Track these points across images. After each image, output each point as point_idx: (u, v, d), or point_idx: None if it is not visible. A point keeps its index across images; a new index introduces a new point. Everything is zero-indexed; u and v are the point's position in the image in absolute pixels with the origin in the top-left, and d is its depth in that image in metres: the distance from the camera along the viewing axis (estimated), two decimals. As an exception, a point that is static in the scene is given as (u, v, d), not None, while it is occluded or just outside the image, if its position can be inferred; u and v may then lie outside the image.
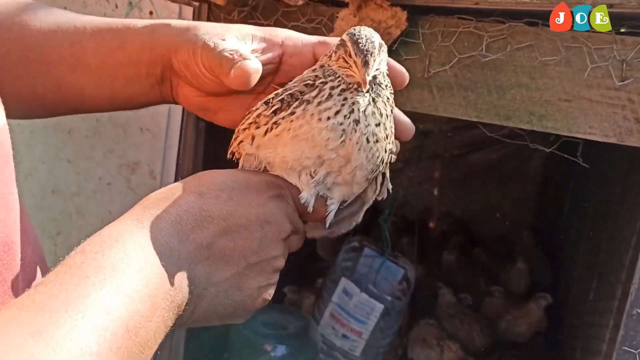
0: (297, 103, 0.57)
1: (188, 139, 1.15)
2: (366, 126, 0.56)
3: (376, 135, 0.56)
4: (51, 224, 1.25)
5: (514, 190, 3.01)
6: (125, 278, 0.45)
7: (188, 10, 1.08)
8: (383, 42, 0.57)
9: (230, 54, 0.59)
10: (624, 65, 0.91)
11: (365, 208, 0.65)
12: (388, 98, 0.58)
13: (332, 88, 0.56)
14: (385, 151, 0.58)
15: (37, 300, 0.41)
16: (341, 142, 0.56)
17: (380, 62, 0.57)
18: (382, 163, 0.59)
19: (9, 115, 0.66)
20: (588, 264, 1.77)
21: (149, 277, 0.47)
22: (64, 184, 1.24)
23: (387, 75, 0.59)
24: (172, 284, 0.49)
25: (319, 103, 0.56)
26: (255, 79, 0.59)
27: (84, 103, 0.73)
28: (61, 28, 0.69)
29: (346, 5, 0.98)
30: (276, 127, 0.58)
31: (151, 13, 1.11)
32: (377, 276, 1.73)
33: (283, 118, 0.57)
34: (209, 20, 1.10)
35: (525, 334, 2.04)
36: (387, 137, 0.58)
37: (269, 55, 0.63)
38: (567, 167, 2.24)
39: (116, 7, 1.12)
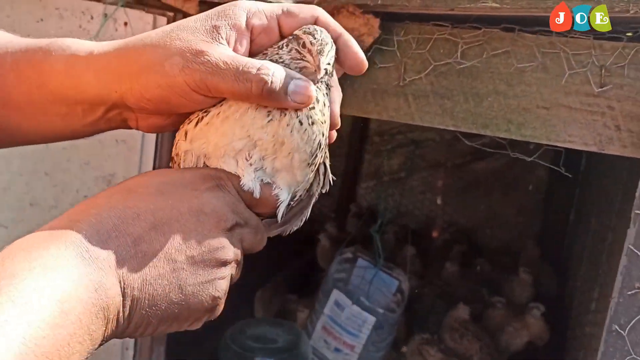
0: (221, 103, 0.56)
1: (164, 150, 1.13)
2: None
3: (311, 117, 0.56)
4: (30, 237, 1.24)
5: (519, 199, 2.97)
6: (26, 284, 0.42)
7: (162, 20, 1.07)
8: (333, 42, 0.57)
9: (265, 75, 0.54)
10: (603, 71, 0.88)
11: (312, 202, 0.63)
12: (327, 92, 0.58)
13: None
14: (323, 135, 0.57)
15: None
16: (268, 120, 0.55)
17: (331, 58, 0.57)
18: (320, 148, 0.58)
19: None
20: (590, 274, 1.73)
21: (57, 280, 0.44)
22: (41, 197, 1.23)
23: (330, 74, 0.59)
24: (88, 284, 0.45)
25: None
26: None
27: (25, 138, 0.69)
28: None
29: (318, 13, 0.96)
30: (206, 115, 0.57)
31: (125, 24, 1.10)
32: (371, 287, 1.70)
33: (213, 106, 0.56)
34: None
35: (526, 346, 2.00)
36: (323, 122, 0.57)
37: (245, 46, 0.58)
38: (572, 176, 2.20)
39: (92, 18, 1.11)
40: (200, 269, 0.53)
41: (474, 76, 0.95)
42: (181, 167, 0.59)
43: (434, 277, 2.47)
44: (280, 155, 0.57)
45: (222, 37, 0.55)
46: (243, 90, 0.54)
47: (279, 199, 0.58)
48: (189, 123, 0.59)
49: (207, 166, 0.58)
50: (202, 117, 0.57)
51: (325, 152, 0.61)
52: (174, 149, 0.61)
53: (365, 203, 3.08)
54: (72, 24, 1.12)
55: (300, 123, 0.55)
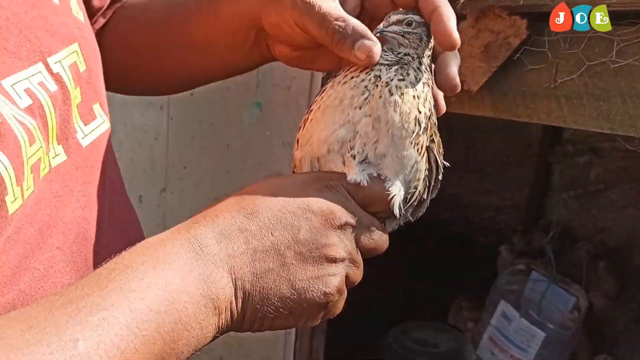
0: (328, 83, 0.61)
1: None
2: (387, 77, 0.58)
3: (401, 88, 0.58)
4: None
5: None
6: (134, 275, 0.48)
7: None
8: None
9: (340, 26, 0.60)
10: None
11: (431, 192, 0.64)
12: (421, 68, 0.61)
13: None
14: (419, 111, 0.58)
15: (50, 298, 0.46)
16: (364, 98, 0.58)
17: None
18: (420, 125, 0.59)
19: (141, 93, 0.77)
20: None
21: (165, 272, 0.49)
22: (223, 192, 1.40)
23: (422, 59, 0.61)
24: (198, 276, 0.50)
25: (345, 75, 0.60)
26: (378, 58, 0.60)
27: (203, 74, 0.83)
28: (174, 11, 0.80)
29: (464, 17, 0.98)
30: (310, 114, 0.61)
31: None
32: (543, 302, 1.62)
33: (315, 102, 0.61)
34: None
35: None
36: (417, 97, 0.58)
37: (352, 5, 0.65)
38: None
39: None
40: (309, 265, 0.55)
41: (632, 76, 0.88)
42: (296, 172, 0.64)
43: (630, 300, 2.25)
44: (380, 136, 0.58)
45: None
46: (321, 34, 0.61)
47: (390, 192, 0.59)
48: (299, 131, 0.63)
49: (320, 170, 0.61)
50: (308, 117, 0.62)
51: (433, 137, 0.62)
52: (292, 161, 0.65)
53: (555, 217, 2.90)
54: None
55: (390, 93, 0.57)
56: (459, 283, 2.34)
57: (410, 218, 0.65)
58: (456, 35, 0.61)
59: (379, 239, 0.61)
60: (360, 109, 0.58)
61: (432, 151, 0.62)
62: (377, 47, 0.59)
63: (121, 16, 0.86)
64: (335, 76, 0.63)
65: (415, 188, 0.62)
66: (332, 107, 0.59)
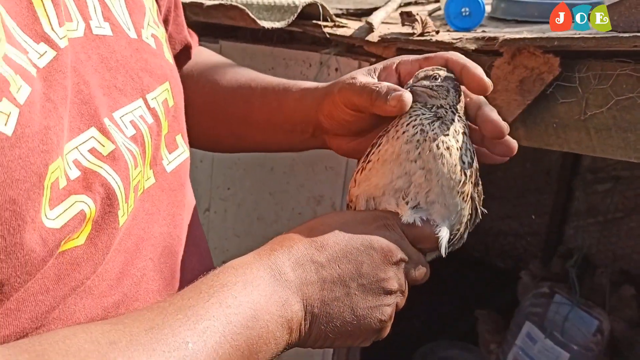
0: (383, 138, 0.70)
1: (363, 177, 1.31)
2: (433, 132, 0.67)
3: (445, 142, 0.66)
4: (255, 246, 1.50)
5: None
6: (229, 292, 0.56)
7: (365, 65, 1.26)
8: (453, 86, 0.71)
9: (376, 87, 0.71)
10: None
11: (467, 232, 0.73)
12: (457, 120, 0.70)
13: (406, 119, 0.70)
14: (463, 162, 0.67)
15: (161, 305, 0.55)
16: (418, 152, 0.67)
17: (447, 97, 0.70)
18: (465, 175, 0.67)
19: (195, 146, 0.86)
20: None
21: (253, 293, 0.57)
22: (265, 213, 1.48)
23: (456, 110, 0.71)
24: (277, 299, 0.58)
25: (396, 130, 0.69)
26: (409, 104, 0.71)
27: (255, 147, 0.93)
28: (240, 87, 0.90)
29: (501, 54, 1.06)
30: (369, 162, 0.71)
31: (336, 69, 1.30)
32: (566, 324, 1.67)
33: (373, 153, 0.71)
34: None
35: None
36: (459, 149, 0.67)
37: (392, 81, 0.76)
38: None
39: (310, 65, 1.34)
40: (370, 296, 0.64)
41: (658, 110, 0.96)
42: (355, 209, 0.73)
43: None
44: (432, 186, 0.67)
45: (374, 73, 0.75)
46: (362, 99, 0.72)
47: (438, 234, 0.69)
48: (357, 173, 0.73)
49: (376, 208, 0.71)
50: (366, 165, 0.71)
51: (476, 186, 0.71)
52: (348, 196, 0.76)
53: (574, 244, 2.94)
54: (295, 71, 1.36)
55: (437, 147, 0.66)
56: (479, 306, 2.40)
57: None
58: (487, 79, 0.71)
59: (424, 272, 0.70)
60: (415, 162, 0.67)
61: (475, 201, 0.72)
62: (407, 95, 0.69)
63: (188, 72, 0.96)
64: (388, 131, 0.71)
65: (458, 230, 0.72)
66: (390, 161, 0.68)
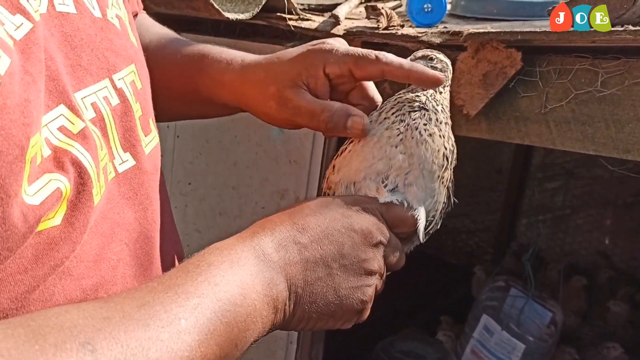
0: None
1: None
2: (414, 121, 0.69)
3: (427, 130, 0.68)
4: (217, 242, 1.48)
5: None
6: (217, 271, 0.56)
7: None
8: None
9: (326, 114, 0.72)
10: None
11: (441, 220, 0.74)
12: (439, 111, 0.71)
13: (390, 109, 0.72)
14: (446, 148, 0.69)
15: (149, 285, 0.54)
16: (400, 138, 0.68)
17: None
18: (448, 161, 0.69)
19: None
20: None
21: (239, 272, 0.57)
22: (228, 208, 1.46)
23: (438, 101, 0.72)
24: (263, 279, 0.59)
25: (379, 114, 0.71)
26: (369, 129, 0.73)
27: (186, 117, 0.98)
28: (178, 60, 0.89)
29: (465, 49, 1.08)
30: (349, 145, 0.72)
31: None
32: (522, 316, 1.72)
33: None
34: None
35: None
36: (442, 137, 0.69)
37: (323, 87, 0.76)
38: None
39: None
40: (351, 276, 0.65)
41: (615, 104, 1.00)
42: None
43: (596, 318, 2.37)
44: (412, 169, 0.68)
45: (303, 84, 0.74)
46: (317, 127, 0.73)
47: (416, 217, 0.70)
48: (335, 158, 0.74)
49: (355, 194, 0.72)
50: (345, 148, 0.73)
51: (451, 176, 0.72)
52: (325, 183, 0.76)
53: (525, 240, 3.03)
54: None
55: (421, 134, 0.68)
56: (436, 301, 2.44)
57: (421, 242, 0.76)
58: (438, 73, 0.73)
59: (401, 257, 0.71)
60: (396, 147, 0.69)
61: (449, 189, 0.73)
62: (365, 120, 0.71)
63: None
64: (370, 115, 0.73)
65: (433, 217, 0.73)
66: (372, 144, 0.70)
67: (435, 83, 0.72)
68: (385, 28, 1.11)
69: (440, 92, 0.74)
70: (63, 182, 0.51)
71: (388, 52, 1.21)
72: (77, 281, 0.55)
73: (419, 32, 1.10)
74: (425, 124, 0.69)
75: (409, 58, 0.75)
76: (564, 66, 1.04)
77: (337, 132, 0.73)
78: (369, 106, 0.77)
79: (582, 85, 1.02)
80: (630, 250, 2.86)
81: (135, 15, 0.92)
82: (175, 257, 0.76)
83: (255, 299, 0.57)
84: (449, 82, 0.76)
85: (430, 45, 1.10)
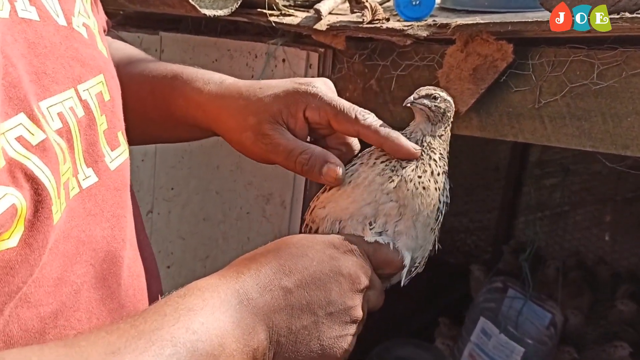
0: (357, 161, 0.71)
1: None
2: (408, 176, 0.66)
3: (422, 183, 0.66)
4: (202, 248, 1.42)
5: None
6: (196, 317, 0.52)
7: (314, 56, 1.20)
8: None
9: (303, 158, 0.70)
10: None
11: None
12: (437, 160, 0.69)
13: (381, 153, 0.70)
14: (440, 201, 0.67)
15: (121, 327, 0.50)
16: (393, 187, 0.66)
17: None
18: (441, 213, 0.67)
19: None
20: None
21: (220, 319, 0.54)
22: (212, 213, 1.41)
23: (435, 149, 0.70)
24: (245, 327, 0.55)
25: (369, 157, 0.70)
26: (344, 179, 0.71)
27: (161, 140, 0.95)
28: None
29: (454, 42, 1.03)
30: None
31: (284, 60, 1.25)
32: (520, 318, 1.67)
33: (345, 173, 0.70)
34: (333, 64, 1.21)
35: None
36: (437, 190, 0.67)
37: (301, 128, 0.74)
38: None
39: (256, 57, 1.28)
40: (336, 324, 0.62)
41: (612, 96, 0.94)
42: (319, 232, 0.71)
43: (599, 316, 2.32)
44: (404, 219, 0.66)
45: (283, 122, 0.72)
46: (289, 167, 0.71)
47: (403, 261, 0.67)
48: (322, 192, 0.72)
49: (340, 232, 0.69)
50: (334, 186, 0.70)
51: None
52: (308, 215, 0.73)
53: (524, 238, 2.98)
54: (240, 62, 1.30)
55: (416, 187, 0.66)
56: (434, 302, 2.38)
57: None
58: (413, 147, 0.70)
59: (380, 298, 0.69)
60: (387, 194, 0.67)
61: (436, 236, 0.72)
62: (340, 170, 0.70)
63: None
64: (362, 155, 0.72)
65: (419, 263, 0.72)
66: (363, 187, 0.68)
67: (407, 157, 0.69)
68: (370, 22, 1.06)
69: (441, 136, 0.71)
70: (19, 199, 0.47)
71: (374, 47, 1.17)
72: (35, 309, 0.51)
73: (405, 26, 1.05)
74: (420, 177, 0.67)
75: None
76: (557, 58, 0.98)
77: (310, 176, 0.71)
78: (346, 152, 0.75)
79: (578, 78, 0.97)
80: (631, 247, 2.81)
81: (103, 31, 0.88)
82: (149, 278, 0.72)
83: (234, 349, 0.54)
84: (451, 120, 0.73)
85: (417, 40, 1.05)
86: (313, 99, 0.72)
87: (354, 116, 0.70)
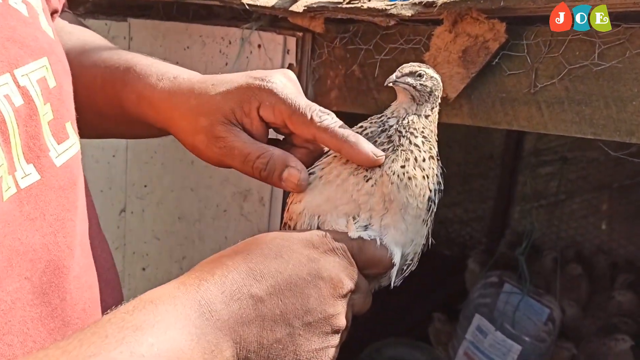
0: (331, 153, 0.62)
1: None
2: (390, 169, 0.59)
3: (407, 173, 0.58)
4: (178, 249, 1.34)
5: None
6: (145, 338, 0.44)
7: (291, 41, 1.12)
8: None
9: (262, 165, 0.62)
10: None
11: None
12: (420, 145, 0.61)
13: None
14: (430, 190, 0.59)
15: (50, 354, 0.43)
16: (371, 185, 0.58)
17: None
18: (433, 202, 0.60)
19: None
20: None
21: (175, 339, 0.46)
22: (188, 211, 1.32)
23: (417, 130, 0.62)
24: (206, 345, 0.47)
25: (344, 161, 0.62)
26: (307, 185, 0.63)
27: (118, 136, 0.85)
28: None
29: (441, 22, 0.94)
30: (311, 175, 0.62)
31: (259, 46, 1.16)
32: (517, 314, 1.59)
33: (316, 166, 0.62)
34: (313, 49, 1.12)
35: None
36: (426, 177, 0.59)
37: (257, 127, 0.66)
38: None
39: (230, 43, 1.19)
40: (315, 336, 0.54)
41: (615, 78, 0.86)
42: (296, 229, 0.63)
43: (597, 308, 2.26)
44: (390, 212, 0.58)
45: (237, 121, 0.64)
46: (250, 172, 0.63)
47: (393, 261, 0.59)
48: None
49: (320, 227, 0.61)
50: (309, 178, 0.63)
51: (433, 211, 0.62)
52: (286, 213, 0.65)
53: (520, 228, 2.91)
54: (213, 49, 1.21)
55: (400, 179, 0.58)
56: (429, 297, 2.31)
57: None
58: (374, 152, 0.61)
59: (367, 301, 0.61)
60: (366, 194, 0.59)
61: (429, 228, 0.64)
62: (303, 175, 0.62)
63: None
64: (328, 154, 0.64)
65: (412, 260, 0.63)
66: (335, 185, 0.60)
67: (367, 164, 0.60)
68: (350, 1, 0.97)
69: (427, 116, 0.63)
70: None
71: (355, 30, 1.08)
72: None
73: (388, 5, 0.96)
74: (403, 166, 0.59)
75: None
76: (554, 37, 0.90)
77: (270, 182, 0.64)
78: (314, 150, 0.67)
79: (577, 59, 0.88)
80: (628, 235, 2.74)
81: (55, 13, 0.78)
82: (104, 289, 0.63)
83: None
84: (439, 100, 0.65)
85: (402, 20, 0.96)
86: (267, 96, 0.63)
87: (309, 117, 0.62)
